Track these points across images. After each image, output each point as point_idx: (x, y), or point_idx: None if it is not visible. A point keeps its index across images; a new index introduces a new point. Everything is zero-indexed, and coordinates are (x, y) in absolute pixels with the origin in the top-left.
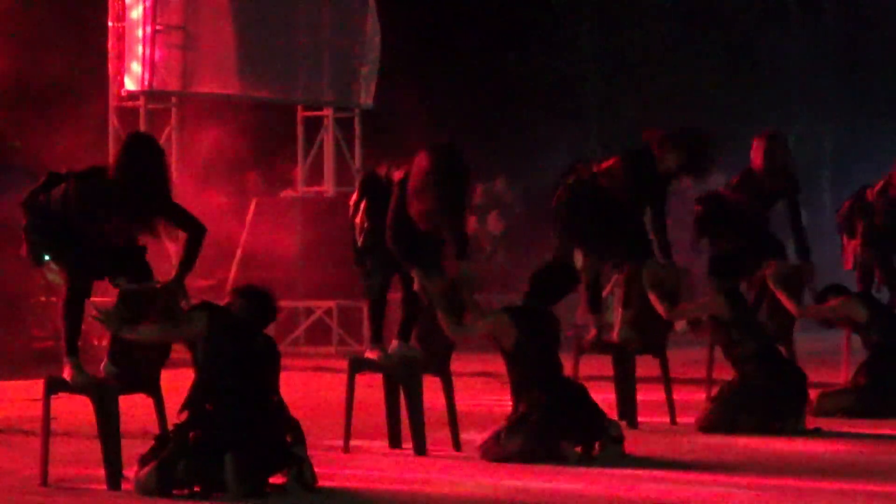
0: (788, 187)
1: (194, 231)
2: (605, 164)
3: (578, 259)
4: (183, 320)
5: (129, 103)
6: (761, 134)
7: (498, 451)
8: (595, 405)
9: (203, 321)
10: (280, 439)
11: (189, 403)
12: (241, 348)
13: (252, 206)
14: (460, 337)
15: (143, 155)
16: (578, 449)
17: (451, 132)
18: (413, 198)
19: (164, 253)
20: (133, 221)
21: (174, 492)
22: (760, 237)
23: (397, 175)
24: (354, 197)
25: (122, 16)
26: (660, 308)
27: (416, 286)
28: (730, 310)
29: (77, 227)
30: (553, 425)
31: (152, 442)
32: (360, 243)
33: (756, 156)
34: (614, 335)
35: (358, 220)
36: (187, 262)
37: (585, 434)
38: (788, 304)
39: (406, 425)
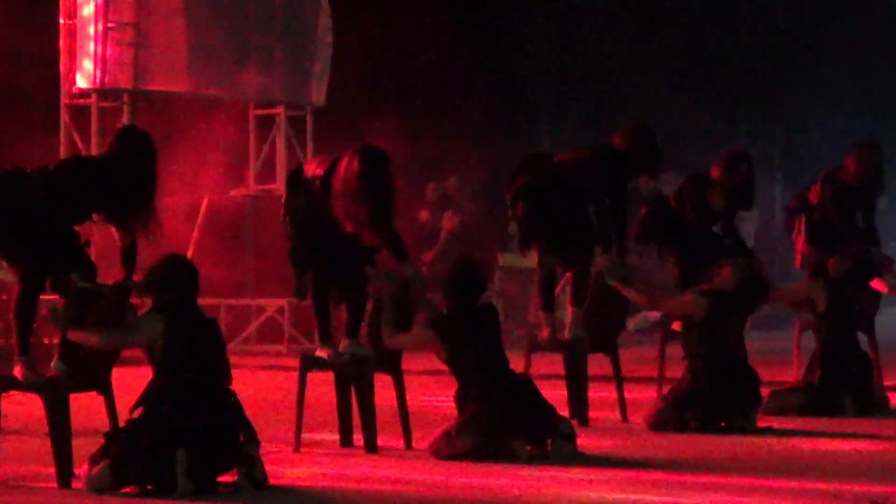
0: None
1: (136, 235)
2: (570, 155)
3: (532, 257)
4: (135, 327)
5: (81, 101)
6: (727, 151)
7: (449, 450)
8: (545, 402)
9: (159, 325)
10: (232, 437)
11: (144, 401)
12: (198, 348)
13: (204, 205)
14: (396, 347)
15: (140, 147)
16: (530, 448)
17: (402, 130)
18: (341, 199)
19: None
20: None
21: (126, 489)
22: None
23: (319, 171)
24: (285, 196)
25: (73, 13)
26: (628, 294)
27: (370, 285)
28: (704, 312)
29: (43, 220)
30: (503, 423)
31: (103, 440)
32: (290, 242)
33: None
34: (566, 333)
35: (288, 218)
36: (134, 260)
37: (536, 432)
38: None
39: (357, 423)
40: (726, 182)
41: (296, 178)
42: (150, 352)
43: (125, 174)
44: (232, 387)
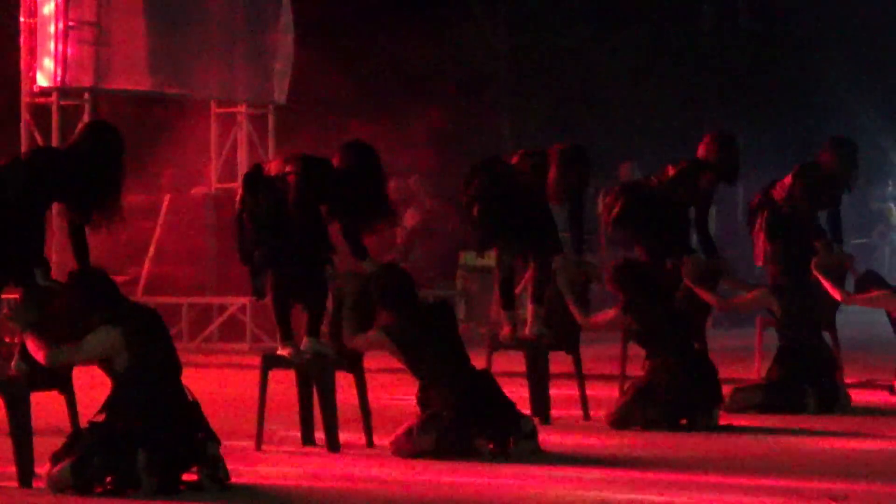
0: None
1: (97, 228)
2: (515, 160)
3: (491, 255)
4: (88, 344)
5: (42, 99)
6: (715, 133)
7: (410, 448)
8: (507, 399)
9: (116, 339)
10: (193, 436)
11: (108, 407)
12: (156, 348)
13: (165, 203)
14: (355, 347)
15: (108, 140)
16: (492, 445)
17: (363, 127)
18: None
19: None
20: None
21: (88, 488)
22: (676, 234)
23: (290, 170)
24: (238, 193)
25: (34, 11)
26: (576, 315)
27: (332, 284)
28: (646, 315)
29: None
30: (465, 421)
31: (64, 439)
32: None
33: (705, 152)
34: (527, 331)
35: (244, 217)
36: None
37: (498, 429)
38: (707, 298)
39: (319, 421)
40: (719, 163)
41: (255, 177)
42: (104, 364)
43: (92, 166)
44: (183, 382)
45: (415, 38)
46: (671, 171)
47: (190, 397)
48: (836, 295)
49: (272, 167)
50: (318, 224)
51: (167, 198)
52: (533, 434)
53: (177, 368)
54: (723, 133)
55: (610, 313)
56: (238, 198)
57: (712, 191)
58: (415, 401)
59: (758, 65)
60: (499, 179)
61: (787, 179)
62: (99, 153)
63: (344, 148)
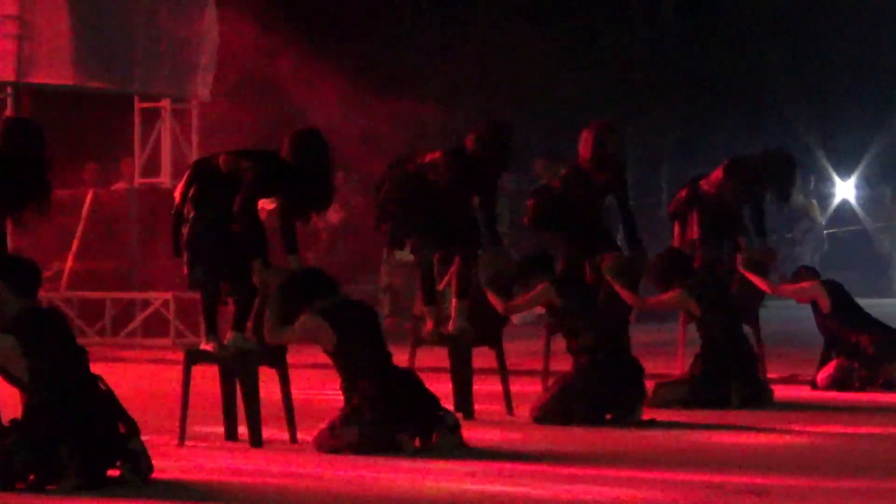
0: (615, 179)
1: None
2: (428, 157)
3: (407, 251)
4: None
5: None
6: (591, 125)
7: (333, 443)
8: (430, 394)
9: (10, 347)
10: (114, 431)
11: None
12: (58, 347)
13: (88, 198)
14: (279, 341)
15: (29, 137)
16: (415, 440)
17: (287, 124)
18: None
19: None
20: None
21: (10, 485)
22: (591, 230)
23: (245, 164)
24: (181, 186)
25: None
26: (497, 305)
27: (255, 278)
28: (561, 297)
29: None
30: (388, 416)
31: None
32: (184, 233)
33: (584, 147)
34: (450, 327)
35: (185, 209)
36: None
37: (421, 424)
38: (626, 296)
39: (242, 417)
40: (601, 155)
41: (203, 169)
42: (3, 373)
43: (12, 164)
44: (96, 373)
45: (342, 33)
46: (564, 173)
47: (103, 387)
48: (764, 287)
49: (221, 162)
50: (257, 218)
51: (90, 193)
52: (456, 428)
53: (81, 362)
54: (598, 124)
55: (533, 292)
56: (180, 190)
57: (609, 185)
58: (340, 392)
59: (687, 60)
60: (411, 177)
61: (716, 174)
62: (17, 151)
63: (295, 136)
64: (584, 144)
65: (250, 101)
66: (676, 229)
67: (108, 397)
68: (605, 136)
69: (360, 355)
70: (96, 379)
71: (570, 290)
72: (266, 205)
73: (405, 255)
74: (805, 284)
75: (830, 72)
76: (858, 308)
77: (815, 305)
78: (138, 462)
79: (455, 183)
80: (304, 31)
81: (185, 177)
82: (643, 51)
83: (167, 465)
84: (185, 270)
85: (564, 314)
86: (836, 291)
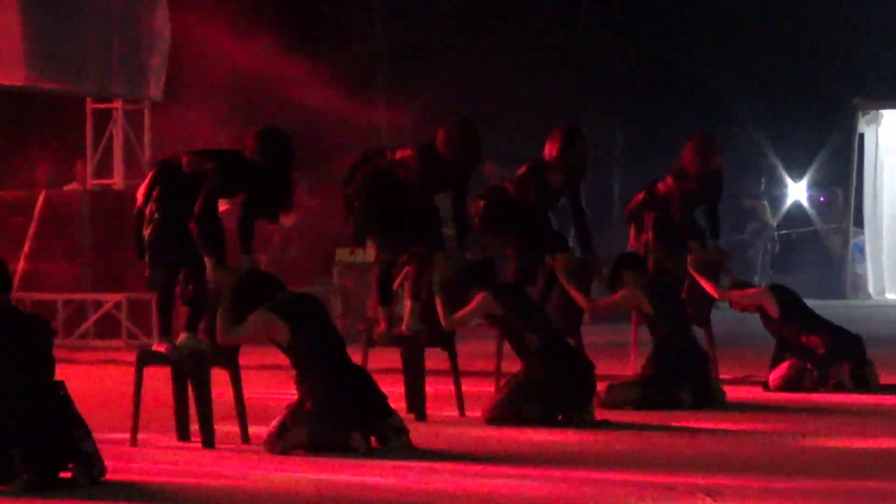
0: (570, 182)
1: None
2: (399, 154)
3: (370, 251)
4: None
5: None
6: (559, 127)
7: (284, 444)
8: (379, 393)
9: None
10: (66, 432)
11: None
12: (17, 345)
13: (41, 199)
14: (231, 341)
15: None
16: (372, 441)
17: (240, 125)
18: None
19: None
20: None
21: None
22: (543, 232)
23: (208, 165)
24: (144, 187)
25: None
26: (441, 317)
27: (208, 277)
28: (501, 304)
29: None
30: (340, 414)
31: None
32: (147, 234)
33: (550, 148)
34: (403, 327)
35: (148, 209)
36: None
37: (372, 424)
38: (577, 297)
39: (195, 418)
40: (565, 158)
41: (166, 170)
42: None
43: None
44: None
45: (292, 34)
46: (519, 172)
47: (61, 391)
48: (712, 291)
49: (185, 162)
50: (217, 219)
51: (42, 194)
52: (403, 429)
53: (39, 364)
54: (567, 127)
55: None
56: (141, 192)
57: (565, 188)
58: (295, 389)
59: (637, 61)
60: (380, 173)
61: (669, 179)
62: None
63: (259, 134)
64: (551, 145)
65: (203, 101)
66: (632, 231)
67: (65, 401)
68: (572, 138)
69: (313, 348)
70: (56, 384)
71: (508, 297)
72: (221, 205)
73: (355, 256)
74: (752, 291)
75: (781, 73)
76: (809, 310)
77: (762, 311)
78: (90, 463)
79: (425, 180)
80: (258, 32)
81: (147, 177)
82: (593, 52)
83: (119, 466)
84: (147, 271)
85: (506, 321)
86: (785, 296)
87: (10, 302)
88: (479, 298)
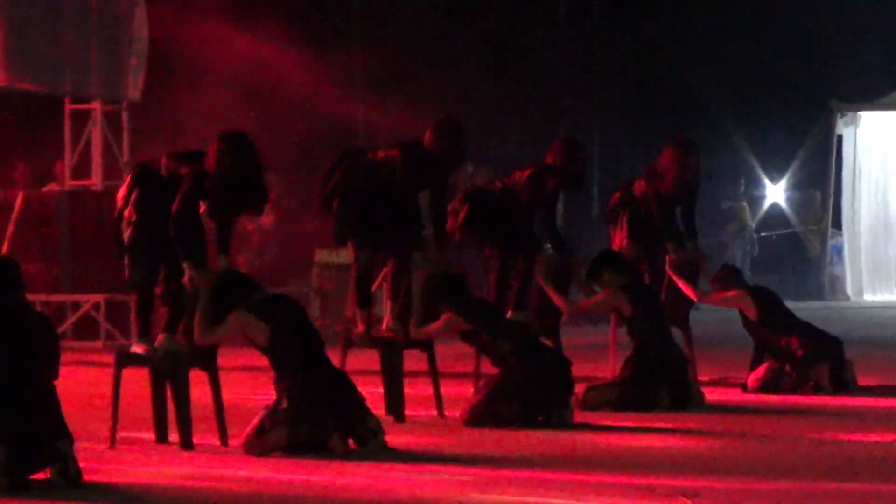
0: (559, 189)
1: None
2: (381, 153)
3: (348, 252)
4: None
5: None
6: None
7: (262, 445)
8: (357, 394)
9: None
10: (46, 434)
11: None
12: (15, 346)
13: (19, 200)
14: (209, 342)
15: None
16: (350, 443)
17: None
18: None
19: None
20: None
21: None
22: (522, 234)
23: (184, 168)
24: (124, 189)
25: None
26: (411, 330)
27: (185, 279)
28: (468, 321)
29: None
30: (317, 417)
31: None
32: (126, 236)
33: (555, 156)
34: (382, 328)
35: (127, 212)
36: None
37: (350, 425)
38: (556, 299)
39: (173, 420)
40: (566, 168)
41: (145, 173)
42: None
43: None
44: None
45: (269, 36)
46: (517, 176)
47: (52, 395)
48: (691, 294)
49: (162, 165)
50: (197, 220)
51: (21, 194)
52: (379, 431)
53: (50, 365)
54: (570, 140)
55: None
56: (120, 194)
57: (556, 195)
58: (274, 390)
59: (614, 62)
60: (361, 172)
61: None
62: None
63: (221, 140)
64: (554, 153)
65: (181, 102)
66: (612, 232)
67: (53, 403)
68: (576, 149)
69: (291, 349)
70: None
71: (474, 314)
72: (202, 206)
73: (332, 257)
74: (730, 293)
75: (760, 75)
76: (787, 312)
77: (741, 313)
78: (67, 465)
79: (409, 177)
80: (235, 32)
81: (127, 180)
82: (570, 52)
83: (97, 467)
84: (126, 273)
85: (475, 336)
86: (764, 297)
87: (25, 300)
88: (444, 318)
